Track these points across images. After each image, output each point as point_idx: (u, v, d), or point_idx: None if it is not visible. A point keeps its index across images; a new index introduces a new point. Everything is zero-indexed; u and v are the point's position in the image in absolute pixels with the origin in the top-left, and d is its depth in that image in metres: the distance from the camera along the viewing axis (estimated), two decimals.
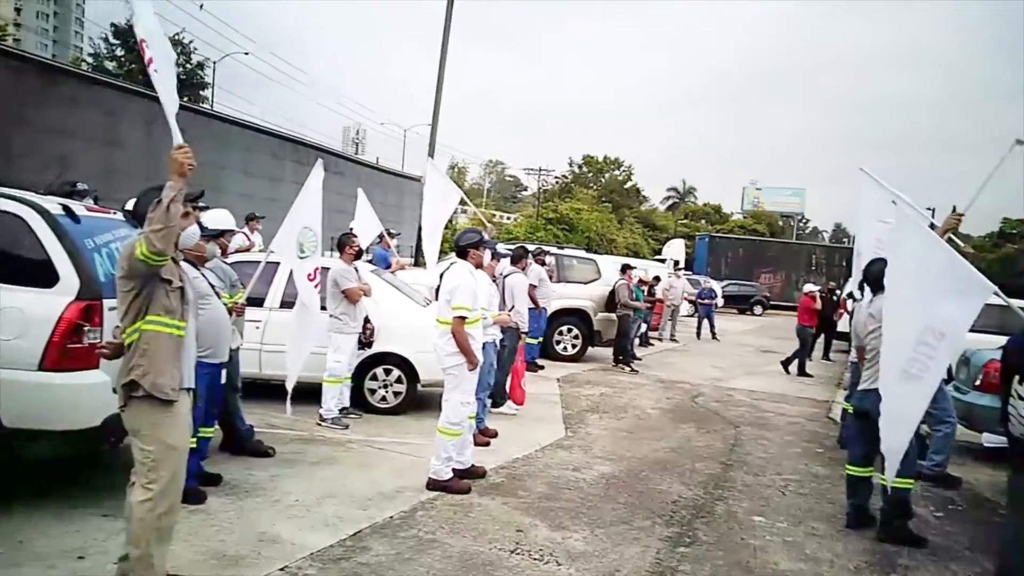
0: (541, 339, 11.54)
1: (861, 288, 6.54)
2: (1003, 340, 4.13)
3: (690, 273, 33.47)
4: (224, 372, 5.14)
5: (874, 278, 5.41)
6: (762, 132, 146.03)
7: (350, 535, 4.46)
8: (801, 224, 77.73)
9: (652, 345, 17.08)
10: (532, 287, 10.32)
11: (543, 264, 11.45)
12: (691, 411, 9.48)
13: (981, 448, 7.73)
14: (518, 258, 8.88)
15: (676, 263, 27.27)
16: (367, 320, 7.27)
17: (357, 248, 7.50)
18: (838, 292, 16.15)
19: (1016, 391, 3.77)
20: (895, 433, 4.04)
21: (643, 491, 5.82)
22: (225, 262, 5.86)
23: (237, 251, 8.47)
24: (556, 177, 62.84)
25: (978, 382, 7.38)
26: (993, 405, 4.26)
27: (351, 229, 8.77)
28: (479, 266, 5.76)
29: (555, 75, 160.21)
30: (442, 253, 10.23)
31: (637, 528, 4.99)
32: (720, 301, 25.84)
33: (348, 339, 7.05)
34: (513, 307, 8.36)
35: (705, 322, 19.88)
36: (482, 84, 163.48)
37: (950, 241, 4.64)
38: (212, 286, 4.91)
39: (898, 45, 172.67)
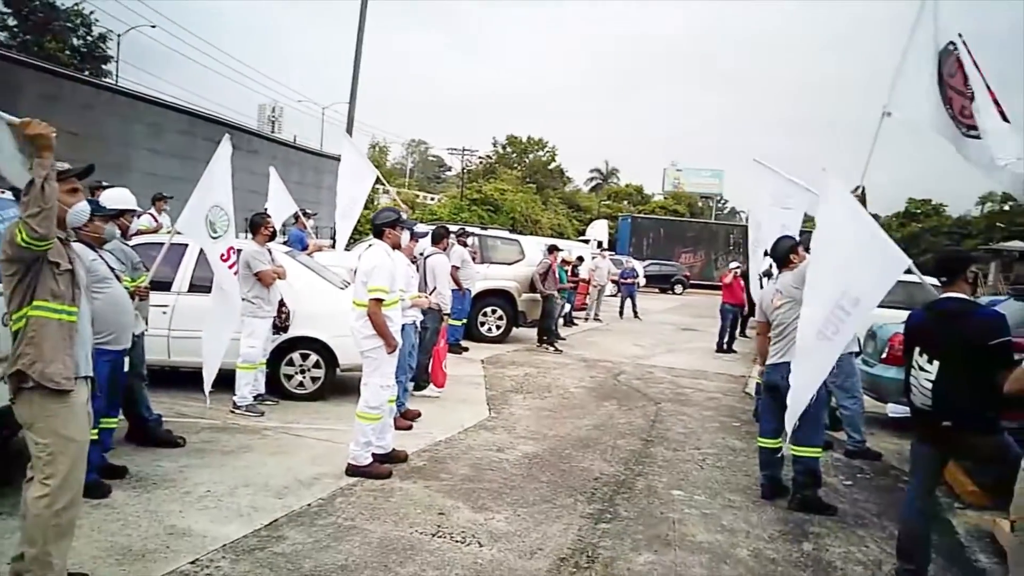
0: (465, 320, 11.47)
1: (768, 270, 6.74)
2: (907, 315, 4.28)
3: (613, 253, 33.96)
4: (127, 359, 4.88)
5: (780, 255, 5.54)
6: (682, 114, 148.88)
7: (265, 525, 4.32)
8: (720, 205, 79.77)
9: (576, 325, 17.23)
10: (455, 268, 10.24)
11: (466, 245, 11.36)
12: (613, 389, 9.60)
13: (886, 418, 8.08)
14: (439, 238, 8.76)
15: (600, 244, 27.60)
16: (282, 303, 7.05)
17: (271, 229, 7.25)
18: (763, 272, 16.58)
19: (917, 363, 3.91)
20: (801, 388, 4.20)
21: (566, 469, 5.85)
22: (127, 244, 5.58)
23: (140, 232, 8.09)
24: (480, 158, 62.60)
25: (884, 355, 7.71)
26: (898, 377, 4.43)
27: (266, 210, 8.49)
28: (396, 246, 5.64)
29: (479, 55, 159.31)
30: (364, 234, 10.03)
31: (559, 506, 5.00)
32: (642, 281, 26.27)
33: (262, 323, 6.82)
34: (435, 288, 8.26)
35: (628, 301, 20.18)
36: (405, 63, 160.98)
37: None
38: (112, 269, 4.64)
39: (815, 29, 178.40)
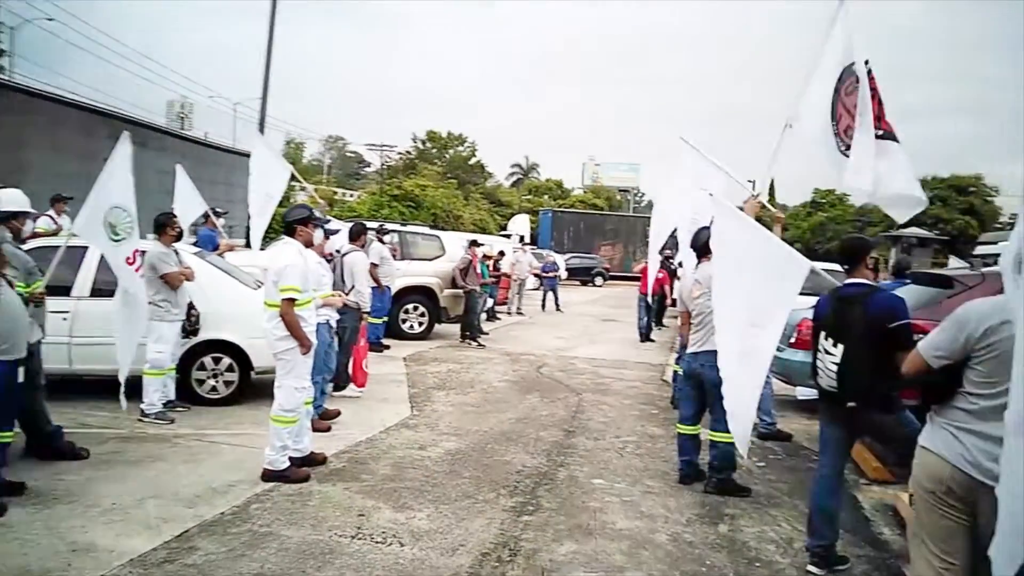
0: (386, 318, 11.32)
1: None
2: (815, 301, 4.42)
3: (534, 247, 34.17)
4: (22, 369, 4.60)
5: (700, 245, 5.67)
6: (600, 109, 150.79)
7: (175, 536, 4.15)
8: (637, 198, 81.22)
9: (499, 319, 17.26)
10: (373, 265, 10.08)
11: (384, 242, 11.21)
12: (536, 382, 9.65)
13: (796, 400, 8.39)
14: (356, 235, 8.59)
15: (521, 238, 27.70)
16: (191, 306, 6.80)
17: (177, 229, 6.97)
18: (672, 261, 17.00)
19: (823, 346, 4.06)
20: (741, 414, 4.17)
21: (488, 464, 5.84)
22: (20, 248, 5.27)
23: (39, 235, 7.67)
24: (400, 153, 61.93)
25: (793, 340, 7.97)
26: (806, 361, 4.58)
27: (172, 209, 8.16)
28: (309, 244, 5.50)
29: (397, 50, 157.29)
30: (280, 233, 9.75)
31: (482, 501, 4.99)
32: (564, 274, 26.52)
33: (170, 327, 6.56)
34: (353, 287, 8.10)
35: (549, 295, 20.34)
36: (321, 58, 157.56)
37: (760, 219, 4.90)
38: (2, 274, 4.37)
39: (729, 25, 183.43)
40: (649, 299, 14.08)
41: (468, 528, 4.50)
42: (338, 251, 8.27)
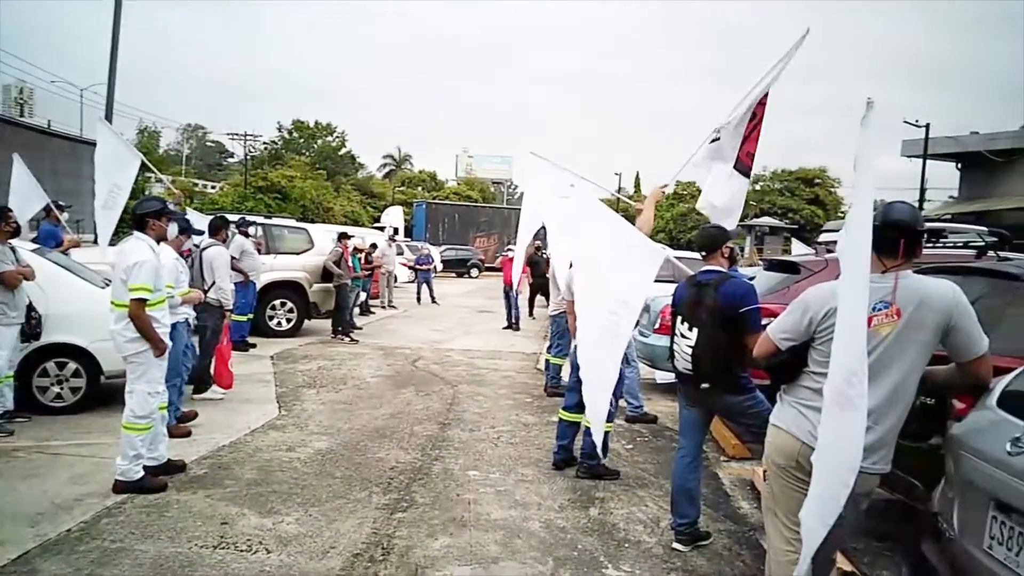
0: (251, 315, 10.84)
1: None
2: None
3: (409, 239, 33.85)
4: None
5: None
6: (471, 101, 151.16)
7: (13, 560, 3.80)
8: (511, 190, 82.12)
9: (373, 313, 16.99)
10: (234, 259, 9.65)
11: (247, 235, 10.74)
12: (411, 375, 9.55)
13: (661, 384, 8.74)
14: (216, 229, 8.19)
15: (395, 230, 27.35)
16: (31, 308, 6.24)
17: (14, 224, 6.37)
18: (544, 252, 17.29)
19: (680, 331, 4.23)
20: (597, 397, 4.25)
21: (361, 462, 5.71)
22: None
23: None
24: (265, 143, 59.57)
25: (657, 326, 8.30)
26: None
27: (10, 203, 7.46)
28: (162, 239, 5.16)
29: (261, 37, 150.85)
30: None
31: (354, 501, 4.87)
32: (439, 266, 26.43)
33: (8, 331, 6.00)
34: (214, 283, 7.72)
35: (424, 287, 20.20)
36: (177, 44, 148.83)
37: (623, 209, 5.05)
38: None
39: (601, 24, 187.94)
40: (514, 290, 14.41)
41: (339, 529, 4.38)
42: (196, 246, 7.86)
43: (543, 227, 7.72)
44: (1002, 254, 6.42)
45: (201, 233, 7.77)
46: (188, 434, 6.14)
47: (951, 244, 7.20)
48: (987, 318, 3.25)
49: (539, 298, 16.73)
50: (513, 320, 15.19)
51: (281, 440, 6.24)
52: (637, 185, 65.98)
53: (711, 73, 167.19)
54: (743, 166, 5.05)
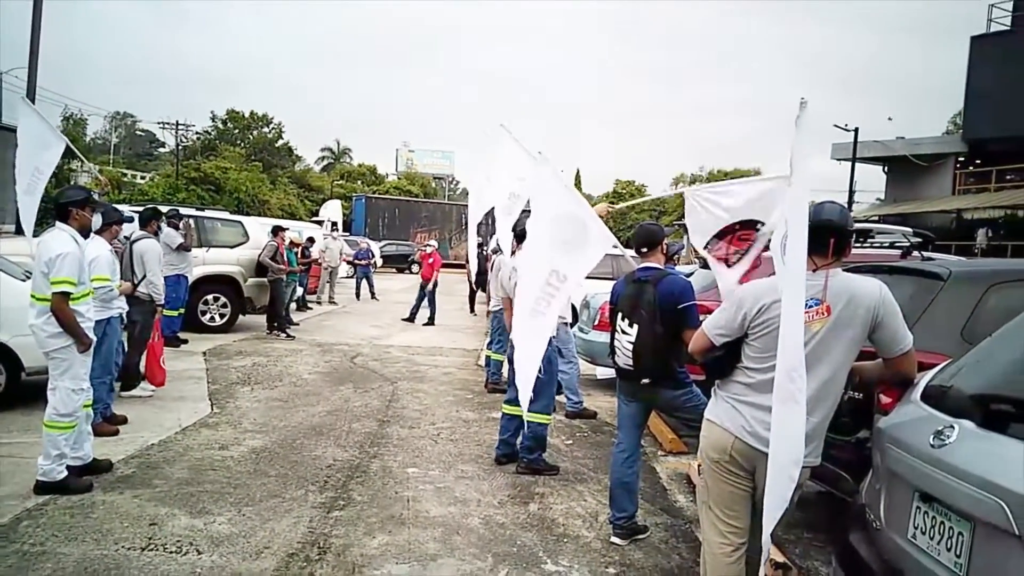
0: (182, 310, 10.52)
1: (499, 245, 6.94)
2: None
3: (348, 234, 33.41)
4: None
5: (521, 233, 5.76)
6: (412, 95, 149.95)
7: None
8: (452, 185, 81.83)
9: (311, 309, 16.71)
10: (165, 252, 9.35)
11: (178, 228, 10.41)
12: (349, 372, 9.41)
13: (600, 379, 8.82)
14: (147, 221, 7.91)
15: (334, 224, 26.97)
16: None
17: None
18: (485, 248, 17.29)
19: (620, 327, 4.27)
20: (525, 364, 4.30)
21: (297, 460, 5.60)
22: None
23: None
24: (198, 133, 57.93)
25: (596, 322, 8.38)
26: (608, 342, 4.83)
27: None
28: (86, 229, 4.95)
29: (193, 23, 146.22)
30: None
31: (289, 499, 4.77)
32: (379, 261, 26.15)
33: None
34: (144, 276, 7.46)
35: (364, 282, 19.96)
36: (104, 28, 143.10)
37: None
38: None
39: (541, 21, 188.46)
40: (471, 280, 14.56)
41: (274, 529, 4.28)
42: (127, 238, 7.59)
43: (489, 218, 7.71)
44: (926, 254, 6.68)
45: (131, 220, 7.49)
46: (115, 432, 5.92)
47: (878, 244, 7.45)
48: (912, 315, 3.37)
49: (479, 294, 16.74)
50: (413, 314, 15.41)
51: (213, 438, 6.07)
52: (577, 183, 66.59)
53: (654, 73, 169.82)
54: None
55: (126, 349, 7.26)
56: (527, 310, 4.17)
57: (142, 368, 7.30)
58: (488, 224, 8.00)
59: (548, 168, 4.53)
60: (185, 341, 10.49)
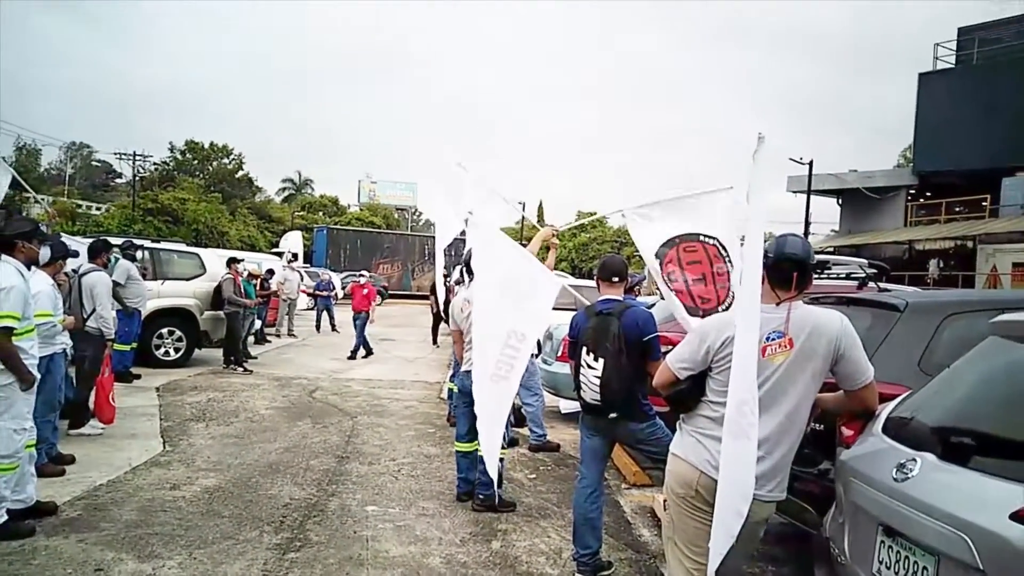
0: (135, 344, 10.24)
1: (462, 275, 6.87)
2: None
3: (308, 266, 33.08)
4: None
5: (468, 261, 5.71)
6: (375, 127, 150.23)
7: None
8: (415, 216, 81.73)
9: (269, 342, 16.41)
10: (117, 285, 9.13)
11: (133, 259, 10.17)
12: (308, 407, 9.21)
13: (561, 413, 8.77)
14: (97, 253, 7.71)
15: (294, 255, 26.67)
16: None
17: None
18: (448, 280, 17.18)
19: (585, 361, 4.22)
20: (491, 432, 4.13)
21: (251, 500, 5.42)
22: None
23: None
24: (155, 164, 57.03)
25: (559, 353, 8.35)
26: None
27: None
28: (32, 262, 4.79)
29: (152, 54, 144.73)
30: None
31: (243, 541, 4.60)
32: (339, 292, 25.87)
33: None
34: (94, 310, 7.25)
35: (324, 314, 19.70)
36: (60, 60, 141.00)
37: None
38: None
39: (494, 46, 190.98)
40: (435, 310, 14.19)
41: (227, 573, 4.12)
42: (75, 271, 7.38)
43: (453, 249, 7.66)
44: (882, 285, 6.80)
45: (76, 255, 7.28)
46: (61, 473, 5.68)
47: (835, 276, 7.57)
48: (870, 346, 3.40)
49: (443, 326, 16.58)
50: (354, 350, 14.57)
51: (165, 478, 5.86)
52: (540, 214, 67.01)
53: (613, 99, 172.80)
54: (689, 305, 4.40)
55: (75, 385, 7.04)
56: (488, 375, 4.05)
57: (91, 405, 7.07)
58: (452, 255, 7.96)
59: (481, 226, 4.44)
60: (138, 376, 10.19)
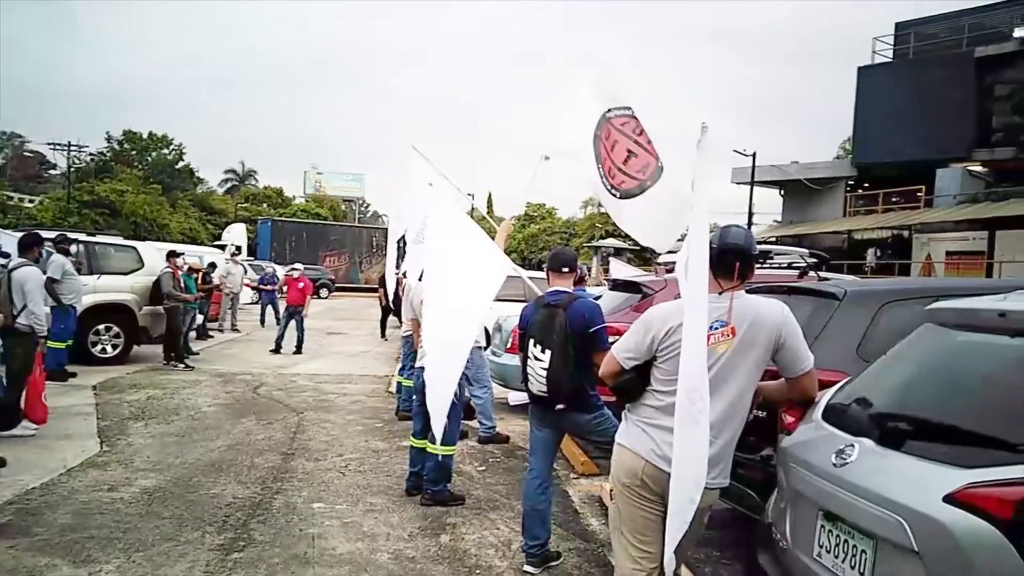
0: (70, 342, 9.88)
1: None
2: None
3: (253, 259, 32.44)
4: None
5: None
6: (320, 117, 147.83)
7: None
8: (362, 208, 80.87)
9: (212, 337, 16.06)
10: (52, 281, 8.81)
11: (67, 253, 9.81)
12: (252, 403, 9.03)
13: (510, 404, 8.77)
14: (28, 247, 7.40)
15: (237, 248, 26.15)
16: None
17: None
18: (397, 272, 17.03)
19: (532, 353, 4.21)
20: (437, 397, 4.19)
21: (193, 499, 5.28)
22: None
23: None
24: (92, 154, 55.12)
25: (508, 345, 8.34)
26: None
27: None
28: None
29: (85, 41, 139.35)
30: None
31: (184, 543, 4.48)
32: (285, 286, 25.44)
33: None
34: (24, 307, 6.96)
35: (269, 308, 19.33)
36: None
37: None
38: None
39: (446, 40, 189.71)
40: (384, 303, 13.88)
41: (167, 575, 4.00)
42: (3, 266, 7.08)
43: (401, 241, 7.58)
44: (822, 274, 6.95)
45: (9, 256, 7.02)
46: None
47: (776, 265, 7.72)
48: (810, 334, 3.46)
49: (392, 319, 16.45)
50: (280, 344, 14.22)
51: (102, 479, 5.68)
52: (490, 206, 66.96)
53: (559, 96, 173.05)
54: (618, 189, 4.91)
55: (4, 385, 6.76)
56: (439, 344, 4.08)
57: (22, 405, 6.79)
58: (401, 246, 7.89)
59: (441, 200, 4.48)
60: (73, 375, 9.84)
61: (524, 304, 4.62)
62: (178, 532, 4.65)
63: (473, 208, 5.68)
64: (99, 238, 12.63)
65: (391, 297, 10.96)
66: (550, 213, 66.04)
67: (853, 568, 2.32)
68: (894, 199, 29.21)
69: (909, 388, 2.74)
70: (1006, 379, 2.42)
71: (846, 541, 2.38)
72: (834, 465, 2.48)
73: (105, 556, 4.23)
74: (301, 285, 14.62)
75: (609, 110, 4.87)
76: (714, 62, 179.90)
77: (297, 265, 16.50)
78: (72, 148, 50.20)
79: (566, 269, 4.40)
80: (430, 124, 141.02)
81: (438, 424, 4.11)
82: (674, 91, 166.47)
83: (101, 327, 11.25)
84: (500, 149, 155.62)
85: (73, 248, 10.29)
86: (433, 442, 5.04)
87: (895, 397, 2.76)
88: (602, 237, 42.33)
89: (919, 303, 3.20)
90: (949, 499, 2.01)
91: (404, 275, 7.61)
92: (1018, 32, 26.20)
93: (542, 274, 4.92)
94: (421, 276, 6.56)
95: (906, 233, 27.88)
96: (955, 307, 2.74)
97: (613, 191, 4.82)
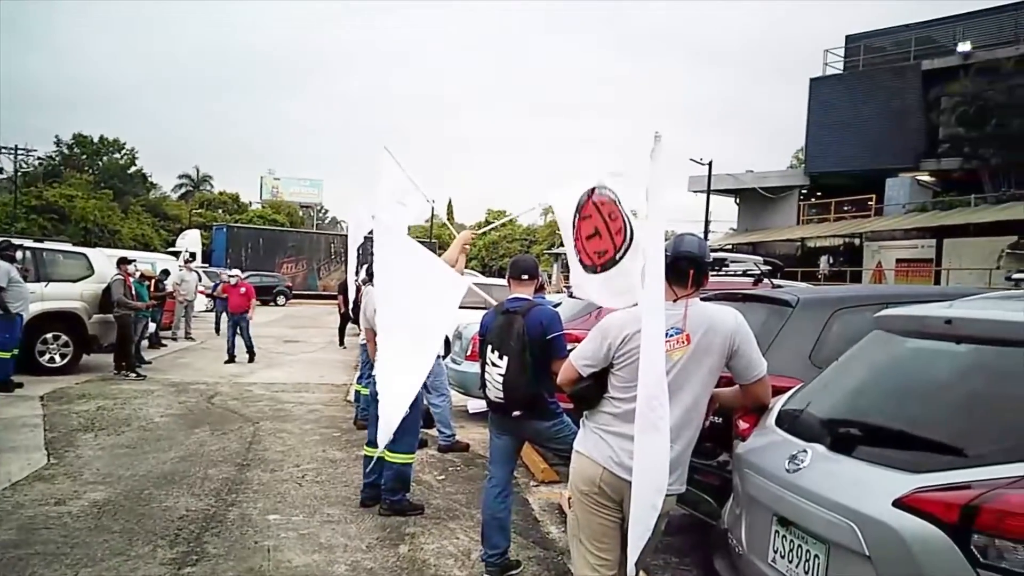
0: (16, 351, 9.58)
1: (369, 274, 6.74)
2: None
3: (207, 266, 31.90)
4: None
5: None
6: (277, 122, 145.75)
7: None
8: (321, 214, 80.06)
9: (165, 346, 15.72)
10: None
11: (13, 260, 9.52)
12: (206, 413, 8.85)
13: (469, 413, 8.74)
14: None
15: (192, 255, 25.65)
16: None
17: None
18: (357, 279, 16.89)
19: (490, 360, 4.21)
20: (393, 409, 4.15)
21: (144, 513, 5.15)
22: None
23: None
24: (40, 158, 53.61)
25: (468, 353, 8.32)
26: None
27: None
28: None
29: (33, 43, 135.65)
30: None
31: (135, 557, 4.36)
32: None
33: None
34: None
35: (224, 316, 19.00)
36: None
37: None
38: None
39: (402, 46, 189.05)
40: (342, 310, 13.64)
41: None
42: None
43: (360, 248, 7.51)
44: (776, 282, 7.08)
45: None
46: None
47: (732, 272, 7.83)
48: (764, 341, 3.51)
49: (350, 327, 16.30)
50: (232, 353, 13.84)
51: (49, 493, 5.51)
52: (450, 212, 66.88)
53: (525, 106, 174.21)
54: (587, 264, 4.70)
55: None
56: (391, 368, 4.06)
57: None
58: (363, 254, 7.82)
59: (384, 226, 4.43)
60: (20, 385, 9.54)
61: (485, 311, 4.62)
62: (128, 546, 4.52)
63: (434, 214, 5.63)
64: (47, 244, 12.28)
65: (351, 304, 10.86)
66: (511, 221, 66.25)
67: (807, 573, 2.36)
68: (846, 208, 29.93)
69: (860, 394, 2.79)
70: (953, 385, 2.49)
71: (800, 546, 2.41)
72: (787, 471, 2.52)
73: (51, 573, 4.10)
74: (243, 290, 14.26)
75: (597, 188, 4.63)
76: (669, 70, 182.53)
77: (235, 271, 16.12)
78: (20, 152, 48.77)
79: (526, 276, 4.41)
80: (393, 128, 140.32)
81: (385, 432, 4.08)
82: (629, 104, 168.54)
83: (49, 336, 10.96)
84: (474, 151, 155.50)
85: (19, 255, 10.00)
86: (391, 450, 5.00)
87: (846, 403, 2.82)
88: (561, 244, 42.63)
89: (870, 310, 3.28)
90: (898, 504, 2.05)
91: (363, 282, 7.55)
92: (961, 47, 27.12)
93: (502, 281, 4.92)
94: (371, 277, 6.48)
95: (857, 241, 28.56)
96: (903, 314, 2.81)
97: (578, 260, 4.64)
